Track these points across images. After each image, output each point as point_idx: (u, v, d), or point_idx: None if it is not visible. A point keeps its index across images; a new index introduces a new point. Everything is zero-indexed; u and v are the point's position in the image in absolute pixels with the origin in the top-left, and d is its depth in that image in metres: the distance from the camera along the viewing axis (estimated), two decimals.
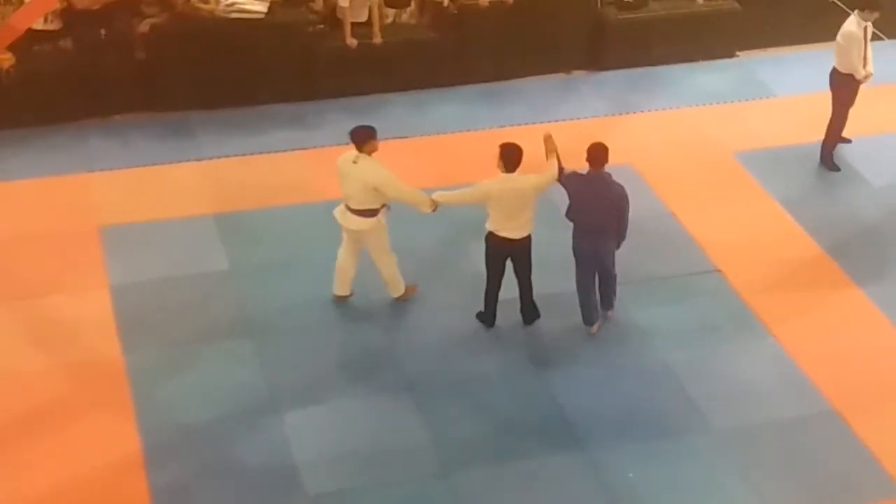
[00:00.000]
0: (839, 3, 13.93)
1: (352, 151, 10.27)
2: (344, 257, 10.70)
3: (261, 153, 12.97)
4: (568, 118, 13.38)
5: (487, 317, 10.65)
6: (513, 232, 10.18)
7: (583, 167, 10.22)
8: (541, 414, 9.82)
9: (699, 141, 13.43)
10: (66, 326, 10.52)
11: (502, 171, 10.05)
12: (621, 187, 10.20)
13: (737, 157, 13.07)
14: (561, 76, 14.80)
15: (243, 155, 12.95)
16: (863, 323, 10.87)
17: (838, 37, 12.53)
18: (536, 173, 10.16)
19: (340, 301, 10.86)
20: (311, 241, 11.40)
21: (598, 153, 10.13)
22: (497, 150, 10.08)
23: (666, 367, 10.30)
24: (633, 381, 10.17)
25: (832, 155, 12.96)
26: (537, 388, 10.06)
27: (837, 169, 12.94)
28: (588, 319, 10.59)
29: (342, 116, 12.78)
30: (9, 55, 12.85)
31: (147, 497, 8.98)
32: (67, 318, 10.60)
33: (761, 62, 15.11)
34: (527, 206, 10.12)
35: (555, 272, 10.73)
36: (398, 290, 10.83)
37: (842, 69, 12.58)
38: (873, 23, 12.57)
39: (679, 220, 12.08)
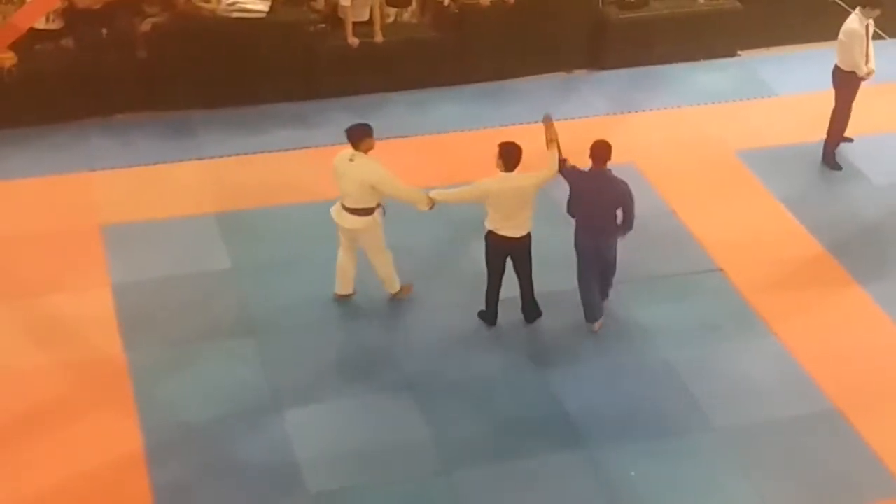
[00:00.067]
0: (840, 1, 13.93)
1: (348, 150, 10.27)
2: (343, 256, 10.71)
3: (262, 152, 12.97)
4: (569, 117, 13.36)
5: (489, 315, 10.65)
6: (512, 230, 10.18)
7: (585, 165, 10.22)
8: (542, 412, 9.82)
9: (700, 140, 13.43)
10: (67, 325, 10.53)
11: (501, 170, 10.05)
12: (624, 184, 10.20)
13: (738, 156, 13.07)
14: (562, 75, 14.80)
15: (245, 154, 12.95)
16: (864, 321, 10.87)
17: (840, 34, 12.53)
18: (535, 171, 10.16)
19: (342, 300, 10.86)
20: (312, 240, 11.40)
21: (601, 150, 10.13)
22: (496, 150, 10.08)
23: (667, 365, 10.30)
24: (633, 380, 10.17)
25: (834, 154, 12.96)
26: (538, 386, 10.06)
27: (839, 168, 12.93)
28: (590, 317, 10.58)
29: (343, 115, 12.75)
30: (10, 54, 12.86)
31: (149, 495, 8.98)
32: (69, 317, 10.61)
33: (763, 61, 15.10)
34: (526, 204, 10.12)
35: (556, 270, 10.73)
36: (394, 287, 10.83)
37: (844, 66, 12.58)
38: (875, 22, 12.58)
39: (680, 218, 12.08)
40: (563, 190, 10.39)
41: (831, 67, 12.71)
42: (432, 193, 10.33)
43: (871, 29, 12.55)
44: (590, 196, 10.22)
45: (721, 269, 11.42)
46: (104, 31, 13.33)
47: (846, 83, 12.65)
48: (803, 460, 9.46)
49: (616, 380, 10.16)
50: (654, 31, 14.80)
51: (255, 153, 12.95)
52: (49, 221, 11.76)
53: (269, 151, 12.97)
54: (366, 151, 10.23)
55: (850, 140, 13.12)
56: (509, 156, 10.01)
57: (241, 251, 11.46)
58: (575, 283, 10.52)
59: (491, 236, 10.31)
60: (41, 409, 9.70)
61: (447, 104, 13.96)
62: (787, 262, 11.57)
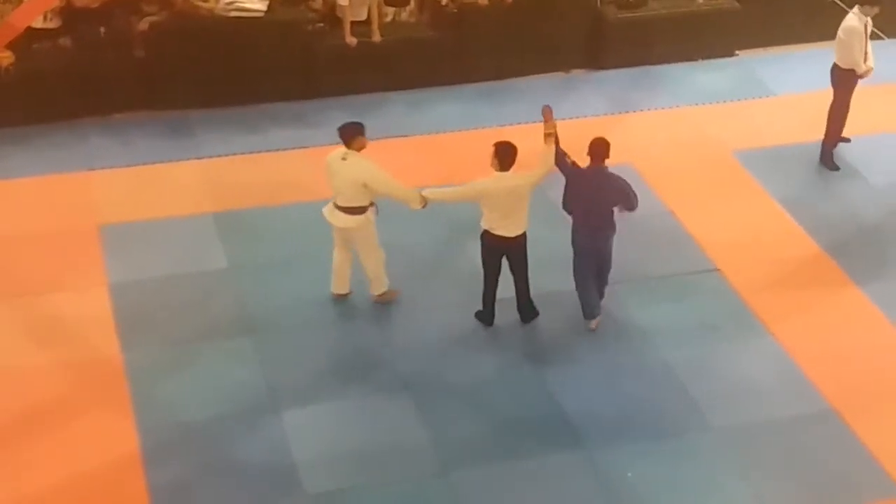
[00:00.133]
0: (838, 1, 13.92)
1: (340, 148, 10.27)
2: (338, 256, 10.70)
3: (260, 152, 12.97)
4: (568, 117, 13.32)
5: (486, 315, 10.64)
6: (508, 230, 10.18)
7: (584, 164, 10.22)
8: (540, 413, 9.82)
9: (699, 140, 13.43)
10: (65, 325, 10.52)
11: (496, 170, 10.04)
12: (622, 180, 10.20)
13: (736, 156, 13.07)
14: (560, 75, 14.80)
15: (243, 153, 12.94)
16: (862, 322, 10.87)
17: (839, 31, 12.54)
18: (529, 170, 10.14)
19: (340, 299, 10.86)
20: (310, 239, 11.38)
21: (599, 148, 10.13)
22: (492, 149, 10.08)
23: (665, 365, 10.30)
24: (632, 380, 10.16)
25: (832, 154, 12.96)
26: (536, 386, 10.06)
27: (837, 168, 12.94)
28: (588, 314, 10.57)
29: (342, 115, 12.69)
30: (8, 53, 12.85)
31: (146, 496, 8.97)
32: (67, 317, 10.60)
33: (761, 61, 15.11)
34: (521, 204, 10.11)
35: (552, 270, 10.73)
36: (380, 288, 10.77)
37: (842, 64, 12.58)
38: (873, 21, 12.58)
39: (678, 218, 12.08)
40: (560, 190, 10.38)
41: (829, 67, 12.72)
42: (425, 192, 10.31)
43: (870, 27, 12.55)
44: (588, 194, 10.22)
45: (719, 270, 11.42)
46: (102, 29, 13.34)
47: (844, 81, 12.65)
48: (801, 460, 9.46)
49: (614, 380, 10.16)
50: (652, 30, 14.80)
51: (253, 153, 12.95)
52: (47, 221, 11.75)
53: (268, 151, 12.97)
54: (358, 150, 10.22)
55: (848, 140, 13.12)
56: (504, 155, 10.00)
57: (239, 251, 11.46)
58: (572, 283, 10.52)
59: (486, 236, 10.30)
60: (38, 409, 9.69)
61: (445, 103, 13.96)
62: (784, 263, 11.57)
